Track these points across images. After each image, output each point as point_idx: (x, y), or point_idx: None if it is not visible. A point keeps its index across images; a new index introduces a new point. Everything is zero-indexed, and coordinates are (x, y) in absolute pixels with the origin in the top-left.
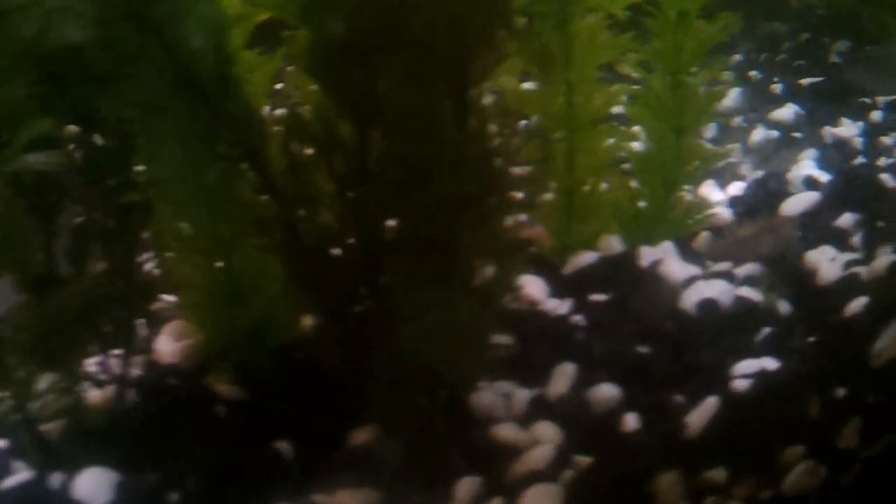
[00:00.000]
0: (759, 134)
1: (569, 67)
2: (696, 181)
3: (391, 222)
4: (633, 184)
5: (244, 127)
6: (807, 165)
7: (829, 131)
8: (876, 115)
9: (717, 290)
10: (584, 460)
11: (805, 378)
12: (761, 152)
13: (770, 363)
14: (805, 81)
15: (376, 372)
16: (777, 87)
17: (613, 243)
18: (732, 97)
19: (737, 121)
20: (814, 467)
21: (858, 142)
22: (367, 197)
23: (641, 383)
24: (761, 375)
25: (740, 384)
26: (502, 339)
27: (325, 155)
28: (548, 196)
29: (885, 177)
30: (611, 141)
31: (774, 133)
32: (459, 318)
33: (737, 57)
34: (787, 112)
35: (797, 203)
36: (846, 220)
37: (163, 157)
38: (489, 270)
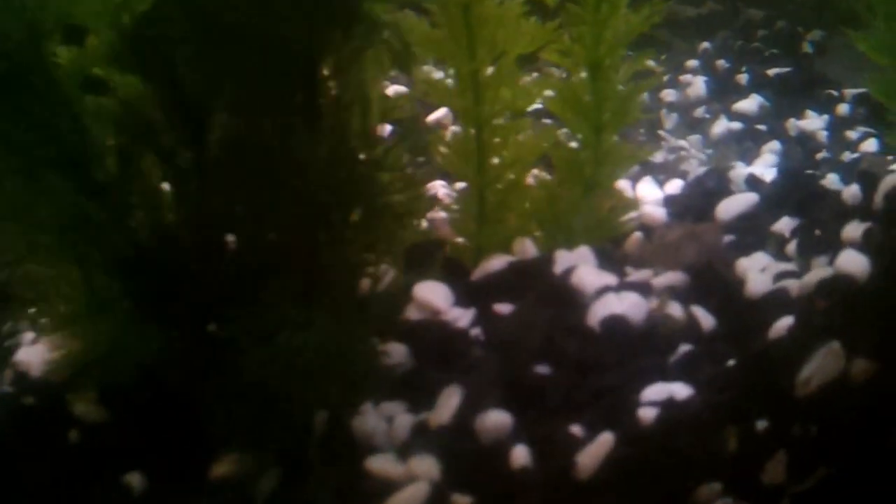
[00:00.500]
0: (720, 126)
1: (473, 57)
2: (618, 180)
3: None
4: (553, 183)
5: (60, 128)
6: (767, 160)
7: (793, 124)
8: (843, 109)
9: (630, 304)
10: (463, 500)
11: (720, 408)
12: (721, 145)
13: (681, 390)
14: (772, 72)
15: (239, 395)
16: (744, 77)
17: (528, 247)
18: (698, 87)
19: (699, 111)
20: None
21: (823, 136)
22: (204, 202)
23: (536, 410)
24: (670, 404)
25: (646, 413)
26: (397, 353)
27: (158, 154)
28: (462, 195)
29: (831, 178)
30: (523, 136)
31: (737, 125)
32: (315, 340)
33: (705, 45)
34: (751, 103)
35: (734, 204)
36: (784, 224)
37: None
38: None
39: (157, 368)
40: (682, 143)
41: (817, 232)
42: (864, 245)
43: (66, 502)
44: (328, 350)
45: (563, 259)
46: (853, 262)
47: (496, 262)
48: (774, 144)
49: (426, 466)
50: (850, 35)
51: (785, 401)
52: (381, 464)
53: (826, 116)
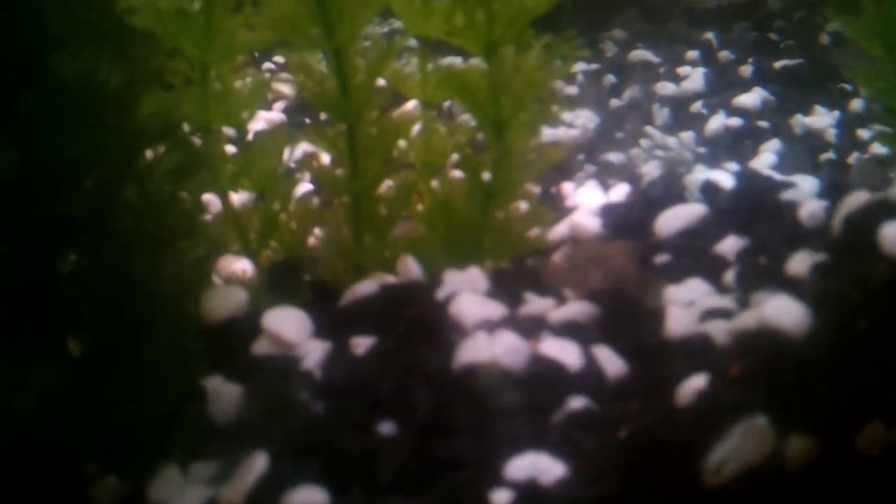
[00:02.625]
0: (717, 122)
1: (332, 37)
2: (524, 185)
3: None
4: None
5: None
6: (765, 160)
7: (799, 121)
8: (857, 105)
9: (506, 346)
10: None
11: (599, 500)
12: (716, 143)
13: (552, 467)
14: (779, 64)
15: None
16: (748, 70)
17: (411, 266)
18: (696, 80)
19: (696, 106)
20: None
21: (831, 134)
22: None
23: (362, 485)
24: (532, 489)
25: (500, 499)
26: (228, 395)
27: None
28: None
29: (805, 188)
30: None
31: (736, 121)
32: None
33: (708, 35)
34: (753, 98)
35: (676, 218)
36: (729, 245)
37: None
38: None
39: None
40: (671, 140)
41: (762, 260)
42: (809, 283)
43: None
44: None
45: (450, 282)
46: (786, 313)
47: (367, 286)
48: (775, 143)
49: None
50: (837, 18)
51: (688, 492)
52: None
53: (837, 113)
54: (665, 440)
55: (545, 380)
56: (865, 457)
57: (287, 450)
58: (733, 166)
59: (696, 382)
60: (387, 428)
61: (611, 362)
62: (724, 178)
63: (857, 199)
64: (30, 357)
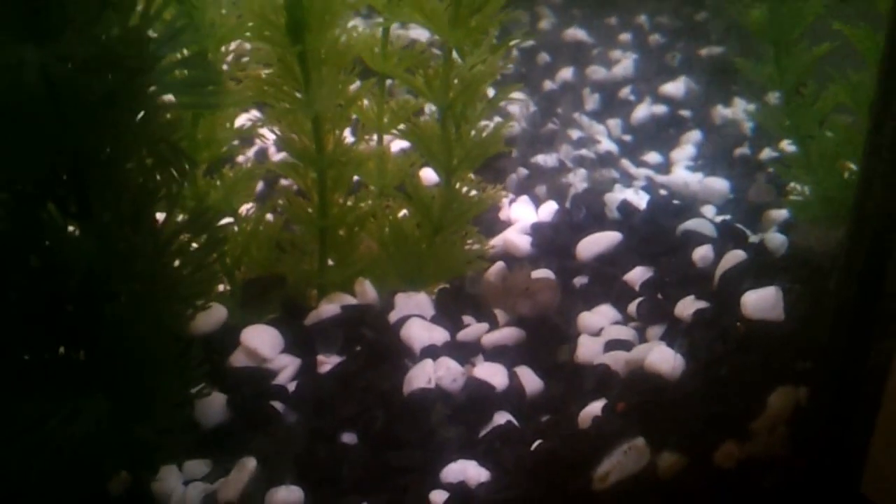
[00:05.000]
0: (643, 110)
1: (311, 105)
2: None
3: None
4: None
5: None
6: (685, 152)
7: (719, 112)
8: (775, 97)
9: (445, 371)
10: None
11: (511, 500)
12: (641, 131)
13: (477, 473)
14: (705, 52)
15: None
16: (676, 57)
17: (367, 289)
18: (626, 65)
19: (624, 92)
20: None
21: (748, 127)
22: None
23: (331, 486)
24: (461, 490)
25: (436, 498)
26: (216, 403)
27: None
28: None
29: (692, 224)
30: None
31: (662, 109)
32: (83, 429)
33: (642, 18)
34: (678, 86)
35: (594, 244)
36: (637, 275)
37: None
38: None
39: None
40: (600, 127)
41: (659, 296)
42: (691, 328)
43: None
44: (102, 434)
45: (401, 305)
46: (663, 360)
47: (330, 307)
48: (696, 134)
49: None
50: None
51: (580, 495)
52: None
53: (755, 105)
54: (565, 455)
55: (477, 400)
56: (722, 468)
57: (268, 454)
58: (656, 157)
59: (593, 409)
60: (349, 438)
61: (530, 381)
62: (638, 198)
63: (734, 257)
64: (81, 390)
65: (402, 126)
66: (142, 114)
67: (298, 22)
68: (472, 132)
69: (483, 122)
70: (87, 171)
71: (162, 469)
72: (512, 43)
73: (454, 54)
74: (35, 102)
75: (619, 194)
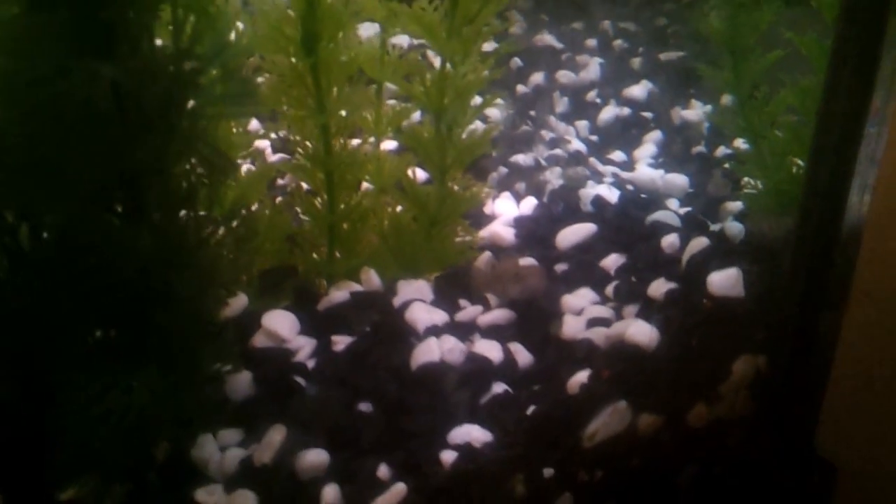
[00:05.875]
0: (609, 112)
1: (322, 113)
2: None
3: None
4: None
5: None
6: (647, 150)
7: (678, 113)
8: (727, 99)
9: (449, 348)
10: None
11: (511, 459)
12: (606, 132)
13: (481, 435)
14: (664, 56)
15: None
16: (637, 61)
17: (372, 277)
18: (593, 69)
19: (591, 95)
20: None
21: (704, 127)
22: (39, 282)
23: (352, 448)
24: (468, 449)
25: (447, 457)
26: (243, 379)
27: None
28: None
29: (660, 215)
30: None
31: (626, 111)
32: (139, 401)
33: (606, 24)
34: (641, 90)
35: (572, 235)
36: (612, 262)
37: None
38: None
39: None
40: (569, 128)
41: (633, 279)
42: (664, 306)
43: None
44: (161, 398)
45: (403, 291)
46: (640, 332)
47: (340, 293)
48: (657, 134)
49: (245, 501)
50: (694, 20)
51: (572, 451)
52: (206, 496)
53: (710, 107)
54: (558, 417)
55: (476, 371)
56: (693, 428)
57: (294, 422)
58: (621, 155)
59: (580, 377)
60: (365, 407)
61: (522, 356)
62: (610, 193)
63: (698, 243)
64: (137, 366)
65: (397, 129)
66: (190, 122)
67: (311, 34)
68: (463, 135)
69: (470, 126)
70: (144, 173)
71: (199, 437)
72: (503, 52)
73: (448, 64)
74: (104, 114)
75: (592, 190)
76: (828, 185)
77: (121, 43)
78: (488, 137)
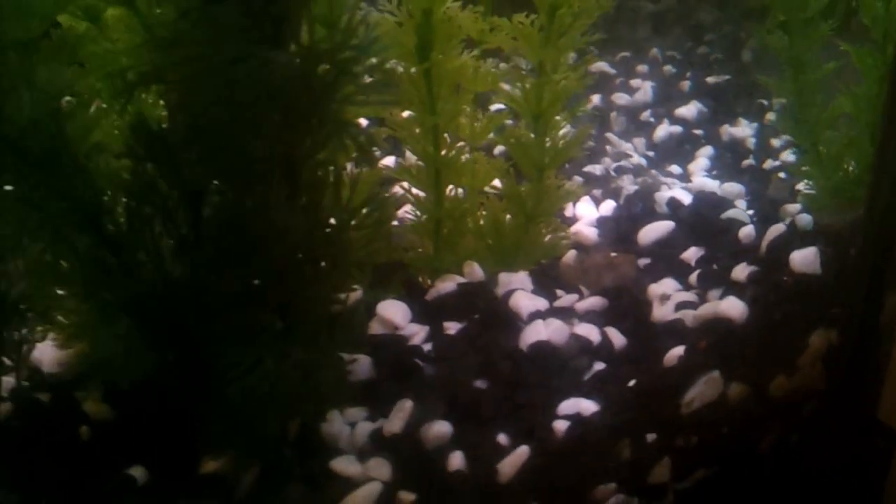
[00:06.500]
0: (663, 129)
1: (433, 111)
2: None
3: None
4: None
5: (78, 191)
6: (701, 164)
7: (727, 130)
8: (770, 117)
9: (554, 329)
10: (408, 497)
11: (618, 425)
12: (662, 148)
13: (589, 406)
14: (711, 80)
15: (225, 405)
16: (686, 84)
17: (476, 270)
18: (645, 92)
19: (645, 115)
20: (626, 499)
21: (751, 143)
22: (200, 260)
23: (473, 420)
24: (578, 418)
25: (559, 426)
26: (363, 364)
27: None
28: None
29: (731, 212)
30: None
31: (678, 129)
32: (290, 369)
33: (654, 51)
34: (691, 109)
35: (652, 231)
36: (691, 254)
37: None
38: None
39: (156, 376)
40: (628, 145)
41: (714, 267)
42: (747, 286)
43: (78, 490)
44: (302, 375)
45: (504, 282)
46: (733, 307)
47: (447, 284)
48: (708, 149)
49: (380, 468)
50: (758, 35)
51: (671, 418)
52: (344, 465)
53: (756, 124)
54: (658, 386)
55: (579, 351)
56: (774, 397)
57: (416, 398)
58: (677, 169)
59: (677, 351)
60: (481, 384)
61: (617, 338)
62: (684, 195)
63: (776, 229)
64: (282, 343)
65: (495, 133)
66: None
67: (426, 43)
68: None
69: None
70: (302, 157)
71: (328, 415)
72: (587, 64)
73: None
74: (273, 100)
75: (666, 193)
76: (889, 189)
77: (286, 34)
78: (581, 140)
